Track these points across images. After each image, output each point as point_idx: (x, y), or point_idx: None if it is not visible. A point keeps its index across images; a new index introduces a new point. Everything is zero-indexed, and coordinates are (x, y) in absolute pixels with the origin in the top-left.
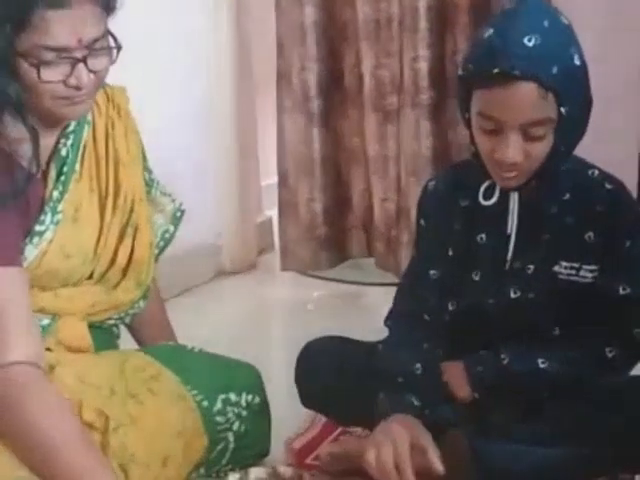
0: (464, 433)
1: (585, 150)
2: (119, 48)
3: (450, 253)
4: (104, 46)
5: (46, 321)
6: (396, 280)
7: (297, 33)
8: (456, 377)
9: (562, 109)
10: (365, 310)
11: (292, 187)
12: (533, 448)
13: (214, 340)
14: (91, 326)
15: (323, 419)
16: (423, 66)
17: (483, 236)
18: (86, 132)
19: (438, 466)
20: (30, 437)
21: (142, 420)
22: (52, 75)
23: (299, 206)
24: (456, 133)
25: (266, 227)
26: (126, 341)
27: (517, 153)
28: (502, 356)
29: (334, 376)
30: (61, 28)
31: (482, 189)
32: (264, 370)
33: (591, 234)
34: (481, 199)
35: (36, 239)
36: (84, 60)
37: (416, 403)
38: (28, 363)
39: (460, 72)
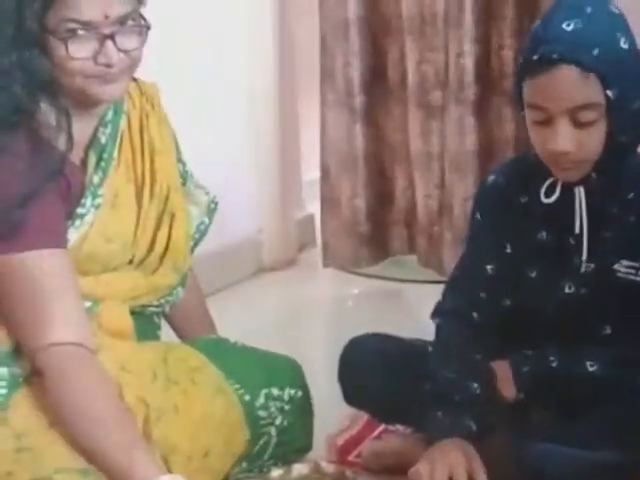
0: (508, 435)
1: None
2: (148, 27)
3: (508, 250)
4: (134, 25)
5: (88, 304)
6: (438, 277)
7: (340, 28)
8: (501, 376)
9: (609, 92)
10: (406, 307)
11: (334, 183)
12: (576, 450)
13: (255, 336)
14: (132, 313)
15: (365, 416)
16: (468, 62)
17: (544, 234)
18: (123, 122)
19: None
20: (70, 414)
21: (185, 410)
22: (80, 51)
23: (341, 202)
24: (501, 129)
25: (307, 223)
26: (167, 337)
27: (567, 141)
28: (550, 358)
29: (378, 374)
30: (88, 2)
31: (544, 187)
32: (306, 366)
33: None
34: (542, 197)
35: (77, 222)
36: (112, 37)
37: (474, 428)
38: (74, 344)
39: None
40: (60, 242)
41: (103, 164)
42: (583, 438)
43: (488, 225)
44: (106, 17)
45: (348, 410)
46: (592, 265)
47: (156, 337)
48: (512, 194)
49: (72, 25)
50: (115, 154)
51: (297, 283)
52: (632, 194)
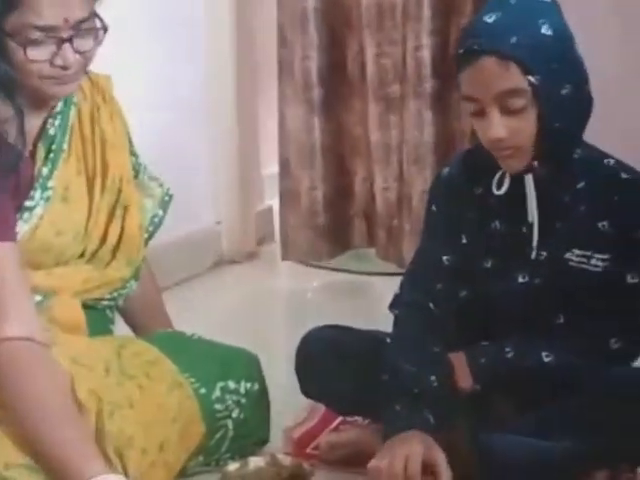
0: (466, 426)
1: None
2: (105, 29)
3: (463, 241)
4: (90, 27)
5: (39, 298)
6: (397, 270)
7: (299, 21)
8: (458, 368)
9: (531, 78)
10: (366, 300)
11: (293, 176)
12: (535, 440)
13: (213, 328)
14: (85, 307)
15: (323, 409)
16: (426, 55)
17: (497, 224)
18: (73, 113)
19: None
20: (18, 410)
21: (140, 405)
22: (38, 54)
23: (300, 195)
24: (459, 122)
25: (267, 216)
26: (121, 331)
27: (499, 128)
28: (506, 349)
29: (334, 365)
30: (49, 8)
31: (495, 178)
32: (264, 359)
33: (605, 223)
34: (494, 188)
35: (26, 215)
36: (70, 40)
37: (432, 421)
38: (25, 338)
39: None
40: (9, 235)
41: (52, 156)
42: (543, 428)
43: (443, 217)
44: (66, 22)
45: (306, 403)
46: (544, 254)
47: (109, 331)
48: (466, 186)
49: (32, 30)
50: (65, 146)
51: (256, 276)
52: (582, 183)
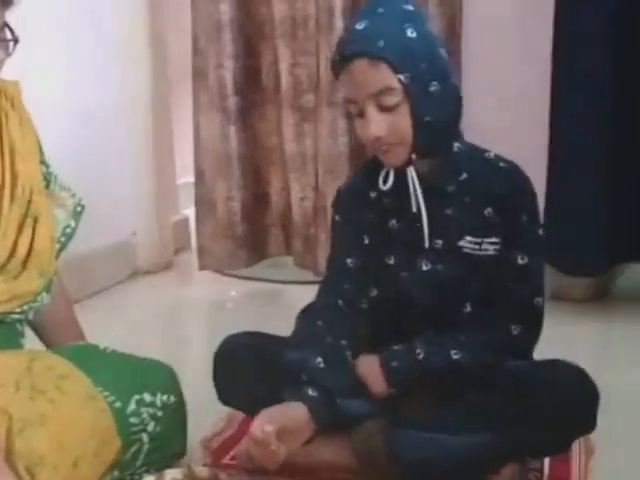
0: (379, 425)
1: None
2: (16, 41)
3: (366, 242)
4: (1, 39)
5: None
6: (314, 278)
7: (213, 30)
8: (371, 373)
9: (400, 76)
10: (284, 308)
11: (209, 185)
12: (446, 436)
13: (130, 341)
14: None
15: (240, 418)
16: None
17: (394, 221)
18: None
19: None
20: None
21: (52, 420)
22: None
23: (217, 204)
24: None
25: (182, 226)
26: (32, 344)
27: (377, 126)
28: (417, 351)
29: (251, 371)
30: None
31: (381, 175)
32: (182, 370)
33: (490, 210)
34: (381, 185)
35: None
36: None
37: (311, 393)
38: None
39: None
40: None
41: None
42: (452, 424)
43: (345, 223)
44: None
45: (224, 413)
46: (440, 242)
47: (19, 345)
48: (363, 191)
49: None
50: None
51: (173, 286)
52: (465, 175)
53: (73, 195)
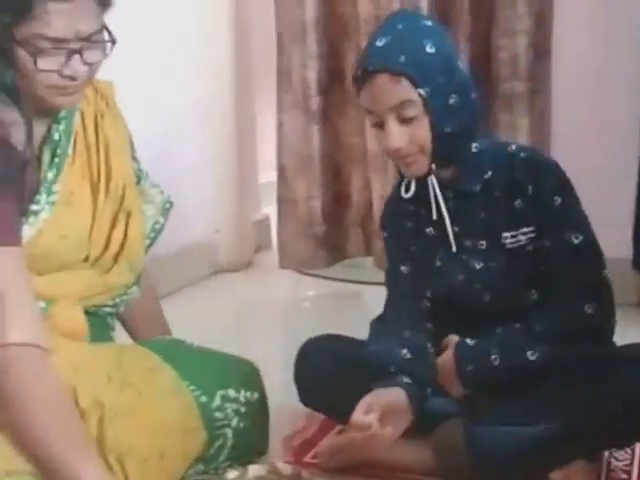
0: (459, 424)
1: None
2: (114, 42)
3: (412, 248)
4: (99, 39)
5: (42, 304)
6: None
7: (297, 30)
8: (447, 376)
9: (420, 90)
10: (362, 309)
11: (291, 184)
12: (520, 428)
13: (212, 337)
14: (86, 313)
15: (321, 417)
16: None
17: (430, 229)
18: (77, 118)
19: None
20: (19, 414)
21: (140, 412)
22: (48, 64)
23: (297, 203)
24: None
25: (264, 225)
26: (122, 339)
27: (397, 138)
28: (493, 357)
29: (332, 374)
30: (60, 20)
31: (403, 184)
32: (262, 367)
33: (519, 201)
34: (403, 193)
35: (32, 218)
36: (80, 52)
37: (406, 380)
38: (30, 344)
39: None
40: (14, 240)
41: (57, 160)
42: (527, 414)
43: (391, 237)
44: (76, 34)
45: (304, 411)
46: (484, 243)
47: (109, 338)
48: (402, 205)
49: (42, 41)
50: (69, 151)
51: (253, 284)
52: (490, 173)
53: (162, 192)
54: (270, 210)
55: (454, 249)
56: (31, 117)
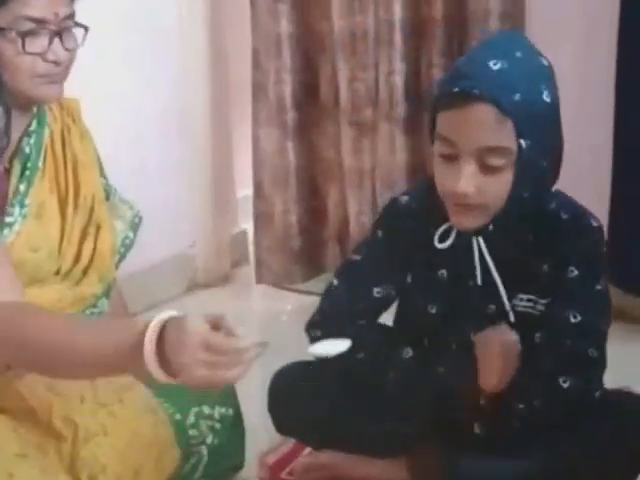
0: (435, 448)
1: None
2: (86, 29)
3: (409, 279)
4: (74, 24)
5: None
6: None
7: (273, 45)
8: (488, 362)
9: (522, 141)
10: None
11: (267, 199)
12: (502, 463)
13: None
14: None
15: None
16: (398, 80)
17: (444, 272)
18: (46, 133)
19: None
20: (44, 338)
21: (114, 432)
22: (33, 47)
23: (274, 218)
24: (430, 146)
25: (241, 239)
26: None
27: (469, 183)
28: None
29: (308, 404)
30: (39, 1)
31: (440, 231)
32: (240, 383)
33: (546, 266)
34: (436, 242)
35: (6, 230)
36: (60, 34)
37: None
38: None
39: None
40: None
41: (28, 174)
42: (509, 447)
43: (390, 247)
44: (56, 15)
45: None
46: (493, 307)
47: None
48: (421, 224)
49: (25, 22)
50: (40, 164)
51: (231, 299)
52: (531, 236)
53: (131, 207)
54: (249, 225)
55: (512, 319)
56: (11, 108)
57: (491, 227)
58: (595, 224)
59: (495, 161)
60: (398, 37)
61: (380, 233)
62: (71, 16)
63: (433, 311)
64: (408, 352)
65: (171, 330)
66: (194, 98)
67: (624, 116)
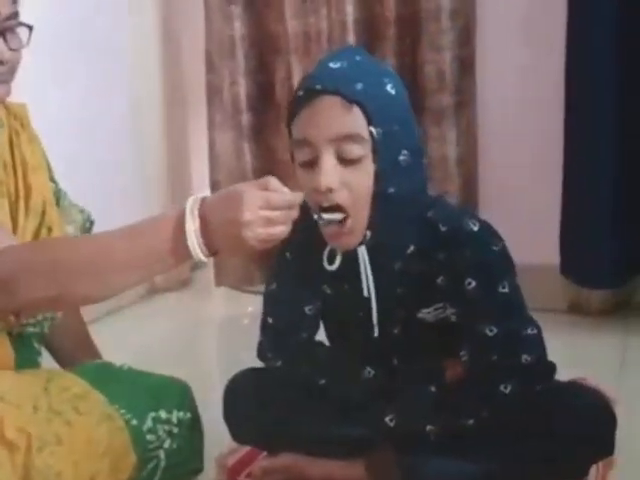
0: (392, 449)
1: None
2: (30, 28)
3: (328, 291)
4: (18, 24)
5: None
6: None
7: (227, 47)
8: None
9: (372, 129)
10: None
11: None
12: (458, 463)
13: (147, 358)
14: (10, 335)
15: None
16: None
17: (346, 286)
18: None
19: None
20: (79, 256)
21: (68, 440)
22: None
23: None
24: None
25: None
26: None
27: (332, 176)
28: (427, 428)
29: (261, 411)
30: None
31: (326, 252)
32: (200, 386)
33: (441, 278)
34: (326, 265)
35: None
36: (3, 34)
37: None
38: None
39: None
40: None
41: None
42: (465, 449)
43: (300, 266)
44: None
45: None
46: (402, 312)
47: (36, 363)
48: (310, 247)
49: None
50: None
51: (191, 303)
52: (412, 248)
53: (82, 211)
54: None
55: (376, 333)
56: None
57: (369, 233)
58: (476, 227)
59: (352, 151)
60: (351, 37)
61: (288, 255)
62: (14, 15)
63: (335, 326)
64: (370, 372)
65: (217, 198)
66: (149, 102)
67: (575, 103)
